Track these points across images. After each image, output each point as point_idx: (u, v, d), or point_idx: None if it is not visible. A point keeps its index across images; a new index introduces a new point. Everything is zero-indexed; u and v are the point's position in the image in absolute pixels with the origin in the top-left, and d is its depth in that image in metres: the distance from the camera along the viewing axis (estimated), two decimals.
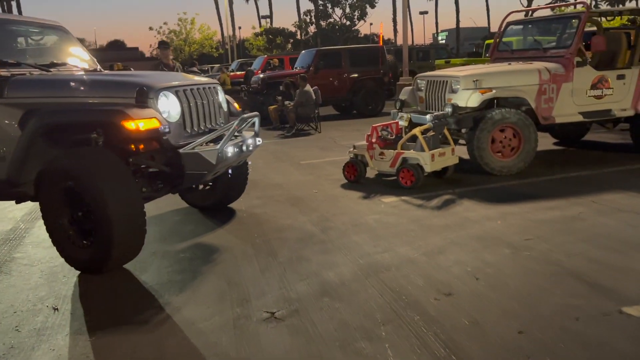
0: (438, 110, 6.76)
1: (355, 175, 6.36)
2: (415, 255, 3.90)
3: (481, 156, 6.24)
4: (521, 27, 7.91)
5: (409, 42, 49.23)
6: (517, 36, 7.99)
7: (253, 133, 4.82)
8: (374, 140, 6.30)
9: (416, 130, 5.93)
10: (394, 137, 6.43)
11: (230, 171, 5.06)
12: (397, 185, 6.02)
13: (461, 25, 57.51)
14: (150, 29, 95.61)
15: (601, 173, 6.22)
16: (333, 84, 14.12)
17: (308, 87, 11.52)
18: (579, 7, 7.24)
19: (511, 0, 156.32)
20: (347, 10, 34.03)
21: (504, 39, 7.83)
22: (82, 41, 6.33)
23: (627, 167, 6.42)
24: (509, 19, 7.75)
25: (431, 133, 6.01)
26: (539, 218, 4.62)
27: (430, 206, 5.21)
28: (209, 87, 4.56)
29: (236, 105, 5.07)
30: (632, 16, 6.90)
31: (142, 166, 4.23)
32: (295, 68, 15.05)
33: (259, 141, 4.79)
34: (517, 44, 7.82)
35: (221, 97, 4.77)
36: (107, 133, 3.87)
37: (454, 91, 6.51)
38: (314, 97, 11.51)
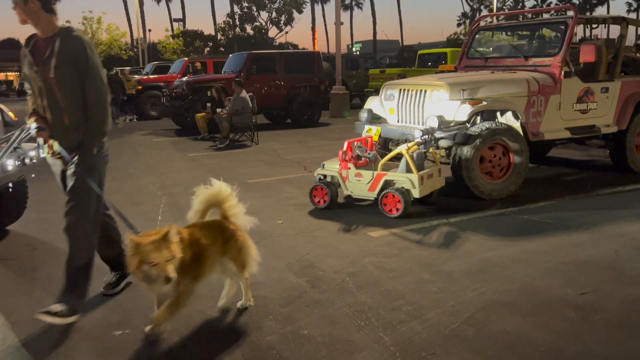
0: (413, 123, 5.85)
1: (327, 200, 5.24)
2: (455, 325, 2.84)
3: (470, 177, 5.37)
4: (493, 33, 7.24)
5: (325, 51, 48.97)
6: (488, 42, 7.31)
7: (36, 145, 3.74)
8: (349, 158, 5.22)
9: (403, 149, 4.93)
10: (370, 155, 5.40)
11: (10, 186, 4.47)
12: (377, 212, 4.98)
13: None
14: None
15: (597, 196, 5.58)
16: (267, 91, 12.93)
17: (244, 94, 10.26)
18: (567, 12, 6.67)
19: (423, 15, 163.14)
20: (274, 14, 32.73)
21: (476, 48, 7.09)
22: None
23: (618, 189, 5.83)
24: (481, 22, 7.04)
25: (415, 150, 5.04)
26: (575, 259, 3.75)
27: (433, 243, 4.21)
28: None
29: (11, 114, 4.67)
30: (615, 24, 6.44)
31: None
32: (224, 72, 13.68)
33: (42, 153, 3.68)
34: (490, 52, 7.11)
35: None
36: None
37: (435, 102, 5.61)
38: (250, 104, 10.27)
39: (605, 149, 6.79)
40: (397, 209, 4.86)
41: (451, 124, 5.37)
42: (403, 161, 4.97)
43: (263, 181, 6.72)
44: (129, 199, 5.98)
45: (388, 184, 5.00)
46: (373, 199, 5.11)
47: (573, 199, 5.45)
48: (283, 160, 8.36)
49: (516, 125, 5.70)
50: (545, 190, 5.84)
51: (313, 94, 13.55)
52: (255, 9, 33.46)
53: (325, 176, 5.36)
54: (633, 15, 76.19)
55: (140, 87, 16.41)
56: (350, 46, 70.24)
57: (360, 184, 5.12)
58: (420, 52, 18.68)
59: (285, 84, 13.14)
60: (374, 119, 6.39)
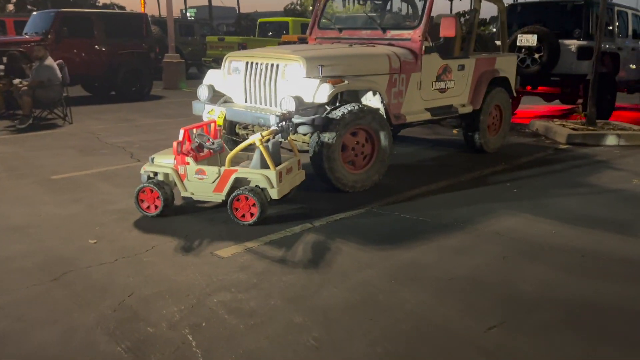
0: (265, 104, 4.90)
1: (159, 206, 4.06)
2: None
3: (331, 169, 4.60)
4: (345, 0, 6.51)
5: (156, 15, 44.93)
6: (341, 11, 6.57)
7: None
8: (186, 150, 4.09)
9: (256, 139, 3.94)
10: (214, 145, 4.32)
11: None
12: (226, 217, 3.98)
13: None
14: None
15: (458, 183, 5.23)
16: (83, 57, 10.86)
17: (50, 61, 8.27)
18: None
19: None
20: None
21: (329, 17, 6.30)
22: None
23: (477, 173, 5.57)
24: None
25: (270, 138, 4.09)
26: (465, 274, 3.18)
27: (300, 261, 3.34)
28: None
29: None
30: None
31: None
32: (25, 34, 11.18)
33: None
34: (344, 22, 6.36)
35: None
36: None
37: (289, 79, 4.70)
38: (59, 74, 8.34)
39: (459, 129, 6.57)
40: (252, 214, 3.90)
41: (309, 107, 4.53)
42: (257, 154, 4.00)
43: (73, 176, 5.23)
44: None
45: (239, 182, 4.01)
46: (221, 201, 4.09)
47: (437, 188, 5.01)
48: (103, 145, 6.82)
49: (377, 107, 5.06)
50: (407, 179, 5.34)
51: (141, 62, 11.80)
52: None
53: (155, 174, 4.16)
54: None
55: None
56: (184, 11, 65.98)
57: (203, 184, 4.04)
58: (260, 20, 17.62)
59: (107, 50, 11.18)
60: (216, 97, 5.29)
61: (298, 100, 4.37)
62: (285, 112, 4.18)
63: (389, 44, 5.48)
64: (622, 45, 9.48)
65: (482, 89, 6.18)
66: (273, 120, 4.11)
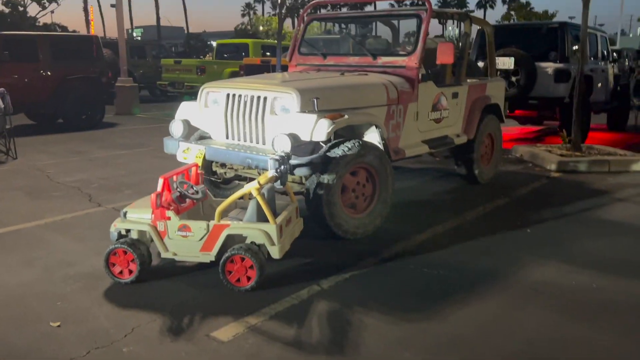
0: (250, 141, 4.30)
1: (134, 270, 3.36)
2: None
3: (332, 214, 4.03)
4: (331, 24, 6.02)
5: (102, 36, 43.28)
6: (324, 35, 6.06)
7: None
8: (166, 203, 3.42)
9: (252, 187, 3.32)
10: (198, 193, 3.67)
11: None
12: (215, 281, 3.33)
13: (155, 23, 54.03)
14: None
15: (465, 223, 4.77)
16: (26, 83, 9.89)
17: None
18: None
19: (207, 3, 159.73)
20: None
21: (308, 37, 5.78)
22: None
23: (480, 209, 5.15)
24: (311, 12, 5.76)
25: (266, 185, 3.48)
26: (521, 351, 2.66)
27: (317, 343, 2.73)
28: None
29: None
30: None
31: None
32: None
33: None
34: (329, 47, 5.86)
35: None
36: None
37: (280, 114, 4.13)
38: (1, 104, 7.43)
39: (450, 159, 6.15)
40: (249, 278, 3.27)
41: (302, 145, 3.97)
42: (252, 205, 3.38)
43: (21, 229, 4.42)
44: None
45: (232, 239, 3.37)
46: (209, 262, 3.43)
47: (444, 230, 4.53)
48: (54, 185, 5.98)
49: (375, 141, 4.55)
50: (407, 219, 4.84)
51: (92, 87, 10.90)
52: None
53: (128, 231, 3.47)
54: None
55: None
56: (130, 31, 64.21)
57: (188, 242, 3.37)
58: (218, 41, 16.98)
59: (53, 76, 10.23)
60: (190, 132, 4.65)
61: (293, 138, 3.80)
62: (283, 153, 3.58)
63: (383, 72, 5.02)
64: (594, 67, 9.46)
65: (476, 117, 5.81)
66: (272, 164, 3.50)
